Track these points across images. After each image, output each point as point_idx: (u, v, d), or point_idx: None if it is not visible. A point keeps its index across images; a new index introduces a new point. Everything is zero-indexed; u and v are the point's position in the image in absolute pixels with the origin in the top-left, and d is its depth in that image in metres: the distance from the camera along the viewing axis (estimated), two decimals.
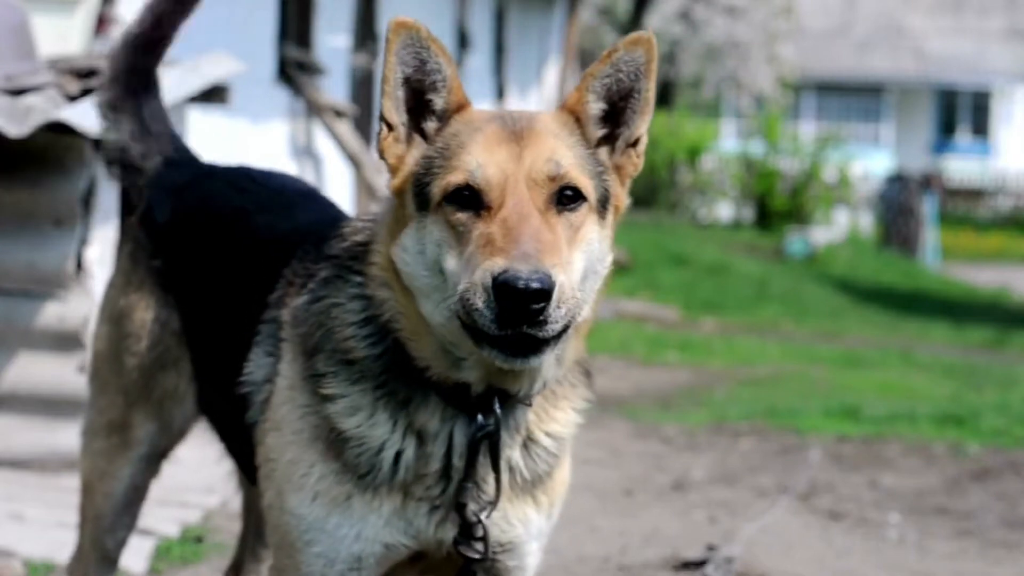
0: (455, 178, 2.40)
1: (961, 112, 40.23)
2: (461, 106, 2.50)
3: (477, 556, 2.55)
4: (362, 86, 13.80)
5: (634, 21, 31.99)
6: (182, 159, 3.37)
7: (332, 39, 12.75)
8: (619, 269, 17.06)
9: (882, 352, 12.56)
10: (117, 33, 7.97)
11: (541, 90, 22.44)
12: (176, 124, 6.19)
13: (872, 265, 21.34)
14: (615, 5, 33.26)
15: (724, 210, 26.43)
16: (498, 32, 19.74)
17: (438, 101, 2.49)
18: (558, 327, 2.32)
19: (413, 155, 2.49)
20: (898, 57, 39.42)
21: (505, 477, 2.56)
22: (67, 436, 5.49)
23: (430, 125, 2.50)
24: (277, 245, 2.87)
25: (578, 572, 4.94)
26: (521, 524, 2.62)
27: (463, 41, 17.44)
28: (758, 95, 32.59)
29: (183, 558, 4.72)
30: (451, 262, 2.38)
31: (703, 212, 26.38)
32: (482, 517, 2.53)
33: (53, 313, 5.48)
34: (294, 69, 11.65)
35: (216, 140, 8.49)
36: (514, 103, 20.53)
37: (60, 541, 4.66)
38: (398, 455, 2.53)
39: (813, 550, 5.37)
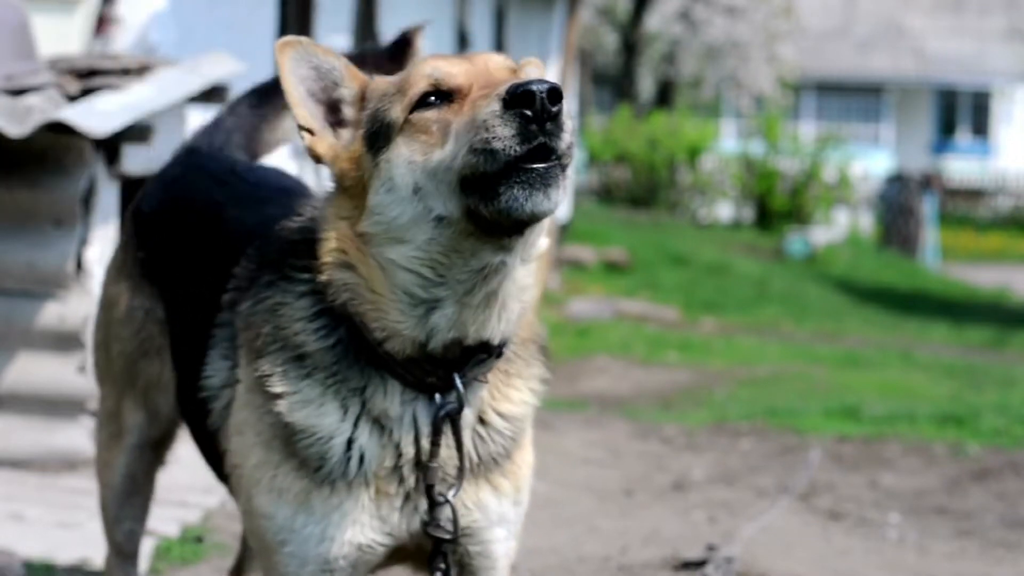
0: (417, 88, 2.41)
1: (961, 112, 40.25)
2: (367, 81, 2.54)
3: (448, 536, 2.52)
4: None
5: (634, 21, 32.00)
6: (183, 153, 3.39)
7: (332, 39, 12.76)
8: (619, 269, 17.07)
9: (882, 352, 12.56)
10: (117, 33, 7.98)
11: None
12: (176, 124, 6.21)
13: (872, 265, 21.34)
14: (615, 5, 33.25)
15: (724, 210, 26.45)
16: (498, 32, 19.75)
17: (344, 92, 2.53)
18: (568, 140, 2.28)
19: (345, 136, 2.51)
20: (898, 57, 39.44)
21: (468, 454, 2.53)
22: (67, 436, 5.49)
23: (347, 111, 2.53)
24: (240, 239, 2.85)
25: (578, 572, 4.94)
26: (478, 509, 2.58)
27: (463, 41, 17.43)
28: (758, 95, 32.61)
29: (183, 558, 4.71)
30: (435, 155, 2.35)
31: (703, 212, 26.39)
32: (449, 496, 2.51)
33: (53, 313, 5.48)
34: None
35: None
36: None
37: (60, 541, 4.66)
38: (350, 445, 2.49)
39: (813, 550, 5.37)
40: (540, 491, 2.83)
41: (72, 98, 5.53)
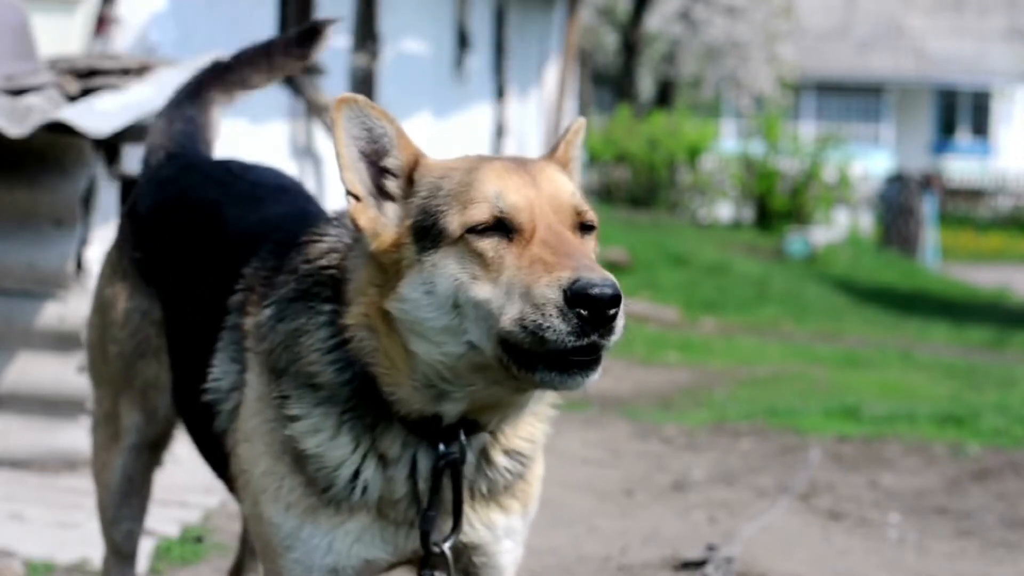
0: (479, 209, 2.38)
1: (961, 112, 40.25)
2: (417, 157, 2.52)
3: None
4: (362, 86, 13.80)
5: (634, 21, 32.00)
6: (180, 154, 3.38)
7: (332, 39, 12.75)
8: (619, 269, 17.07)
9: (882, 352, 12.56)
10: (117, 33, 7.98)
11: (541, 90, 22.45)
12: None
13: (872, 265, 21.34)
14: (615, 5, 33.26)
15: (724, 210, 26.44)
16: (498, 32, 19.74)
17: (391, 161, 2.50)
18: (618, 337, 2.32)
19: (390, 212, 2.49)
20: (898, 57, 39.43)
21: (467, 502, 2.58)
22: (67, 436, 5.49)
23: (390, 184, 2.50)
24: (242, 238, 2.86)
25: (578, 572, 4.94)
26: (485, 528, 2.63)
27: (463, 41, 17.43)
28: (758, 95, 32.61)
29: (183, 558, 4.72)
30: (483, 290, 2.34)
31: (703, 212, 26.39)
32: (444, 547, 2.54)
33: (53, 313, 5.48)
34: None
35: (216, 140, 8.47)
36: (514, 103, 20.54)
37: (60, 541, 4.66)
38: (356, 475, 2.53)
39: (813, 550, 5.37)
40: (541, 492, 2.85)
41: (72, 98, 5.53)
